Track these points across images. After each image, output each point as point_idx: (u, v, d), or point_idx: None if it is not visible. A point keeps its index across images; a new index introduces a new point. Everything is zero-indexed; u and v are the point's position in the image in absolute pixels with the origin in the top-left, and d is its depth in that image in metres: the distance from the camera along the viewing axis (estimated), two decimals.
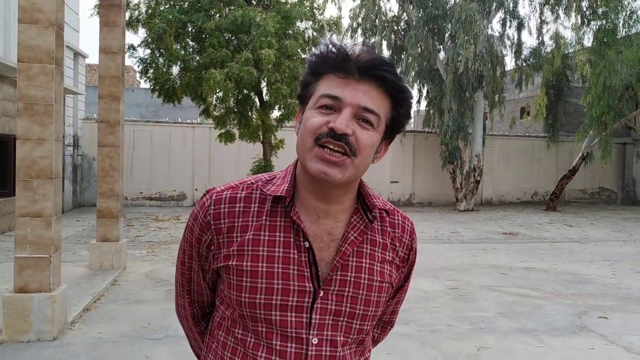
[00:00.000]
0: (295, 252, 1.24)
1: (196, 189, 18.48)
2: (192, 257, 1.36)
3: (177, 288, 1.47)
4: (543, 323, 6.05)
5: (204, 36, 9.75)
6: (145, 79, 11.82)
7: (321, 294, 1.24)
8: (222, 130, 11.13)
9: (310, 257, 1.25)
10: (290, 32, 9.97)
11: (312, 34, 10.37)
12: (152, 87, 11.90)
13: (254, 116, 11.01)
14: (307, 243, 1.25)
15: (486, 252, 10.79)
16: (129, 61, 23.62)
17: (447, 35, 18.09)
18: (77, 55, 16.67)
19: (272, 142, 11.53)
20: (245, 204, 1.29)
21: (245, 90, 10.25)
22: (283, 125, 11.03)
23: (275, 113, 11.25)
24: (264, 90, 10.69)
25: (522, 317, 6.27)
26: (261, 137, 11.26)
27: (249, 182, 1.34)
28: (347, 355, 1.29)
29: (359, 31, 19.51)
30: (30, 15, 4.91)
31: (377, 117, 1.21)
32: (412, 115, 19.39)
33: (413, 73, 18.21)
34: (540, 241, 12.43)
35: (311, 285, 1.24)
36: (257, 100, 10.94)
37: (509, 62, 25.81)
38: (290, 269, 1.24)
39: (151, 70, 11.42)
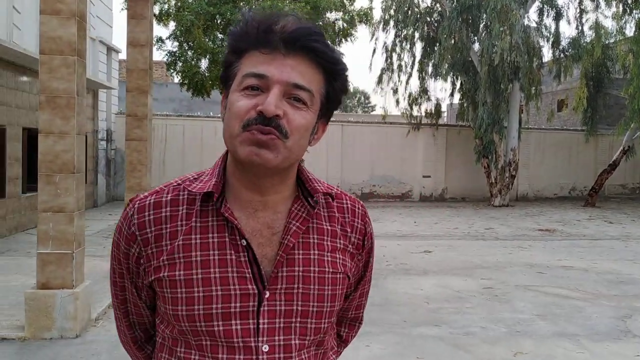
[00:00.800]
0: (232, 252, 1.12)
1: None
2: (123, 275, 1.22)
3: (114, 311, 1.32)
4: (584, 327, 5.73)
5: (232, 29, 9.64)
6: (173, 72, 11.74)
7: (267, 295, 1.12)
8: None
9: (250, 256, 1.12)
10: (320, 23, 9.73)
11: (343, 25, 10.10)
12: (180, 80, 11.82)
13: None
14: (244, 241, 1.12)
15: (522, 250, 10.43)
16: (157, 54, 23.73)
17: (481, 25, 17.61)
18: (110, 50, 16.79)
19: None
20: (172, 208, 1.16)
21: None
22: None
23: None
24: None
25: (561, 319, 5.96)
26: None
27: (175, 184, 1.20)
28: None
29: (391, 23, 19.18)
30: (52, 6, 4.81)
31: (310, 93, 1.09)
32: (445, 108, 18.83)
33: (446, 65, 17.78)
34: (578, 238, 11.98)
35: (254, 286, 1.11)
36: None
37: (547, 53, 25.05)
38: (229, 272, 1.11)
39: (180, 64, 11.31)
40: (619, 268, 8.79)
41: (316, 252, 1.18)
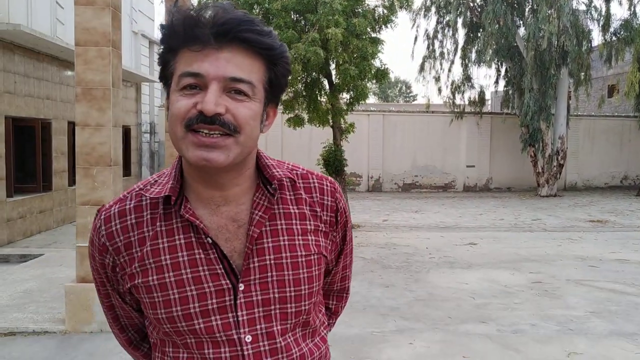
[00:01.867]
0: (201, 251, 1.12)
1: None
2: (104, 283, 1.24)
3: (105, 317, 1.34)
4: None
5: (270, 18, 9.47)
6: None
7: (242, 288, 1.13)
8: (291, 115, 10.87)
9: (218, 252, 1.13)
10: (359, 9, 9.51)
11: (383, 11, 9.86)
12: None
13: (323, 99, 10.67)
14: (209, 239, 1.12)
15: (572, 242, 10.00)
16: None
17: (527, 9, 16.99)
18: (153, 43, 16.93)
19: (342, 125, 11.17)
20: (137, 214, 1.16)
21: (313, 73, 9.90)
22: (353, 108, 10.61)
23: (345, 96, 10.87)
24: (333, 73, 10.32)
25: (618, 317, 5.62)
26: (330, 121, 10.91)
27: (136, 190, 1.20)
28: (291, 343, 1.18)
29: (433, 9, 18.72)
30: None
31: (250, 84, 1.06)
32: (490, 96, 18.33)
33: (490, 51, 17.19)
34: (633, 230, 11.43)
35: (228, 281, 1.12)
36: (326, 83, 10.58)
37: (596, 37, 24.08)
38: (201, 271, 1.12)
39: None
40: None
41: (285, 237, 1.17)
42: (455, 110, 19.20)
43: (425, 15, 18.91)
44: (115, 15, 4.92)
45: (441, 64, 19.26)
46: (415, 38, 19.69)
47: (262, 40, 1.06)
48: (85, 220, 4.88)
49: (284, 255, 1.16)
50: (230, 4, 1.07)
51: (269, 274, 1.14)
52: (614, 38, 17.29)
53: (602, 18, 17.04)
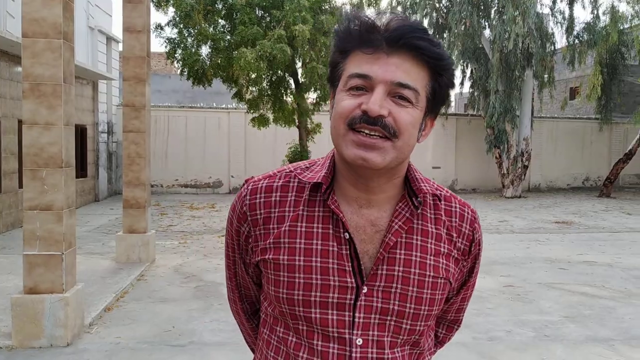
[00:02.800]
0: (335, 244, 1.15)
1: (232, 176, 18.03)
2: (234, 250, 1.29)
3: (226, 282, 1.40)
4: (618, 330, 5.28)
5: (234, 13, 9.16)
6: (173, 60, 11.28)
7: (365, 290, 1.14)
8: (256, 114, 10.56)
9: (351, 250, 1.14)
10: (327, 7, 9.28)
11: (350, 9, 9.64)
12: (180, 68, 11.37)
13: (289, 99, 10.40)
14: (347, 234, 1.14)
15: (540, 244, 9.97)
16: (156, 42, 23.23)
17: (493, 11, 17.04)
18: (110, 40, 16.34)
19: (308, 126, 10.90)
20: (282, 193, 1.20)
21: (279, 71, 9.63)
22: (320, 108, 10.37)
23: (312, 95, 10.62)
24: (299, 72, 10.05)
25: (592, 322, 5.51)
26: (297, 121, 10.64)
27: (287, 170, 1.24)
28: (399, 358, 1.17)
29: (399, 9, 18.62)
30: None
31: (415, 91, 1.08)
32: (454, 97, 18.41)
33: (456, 52, 17.20)
34: (597, 231, 11.50)
35: (353, 280, 1.13)
36: (292, 81, 10.31)
37: (559, 40, 24.43)
38: (330, 263, 1.14)
39: (179, 51, 10.84)
40: None
41: (418, 253, 1.17)
42: None
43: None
44: (67, 6, 4.55)
45: None
46: None
47: (432, 49, 1.07)
48: (34, 226, 4.50)
49: (412, 270, 1.16)
50: (403, 14, 1.12)
51: (394, 284, 1.15)
52: (577, 41, 17.50)
53: (565, 21, 17.23)
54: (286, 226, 1.17)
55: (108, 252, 8.35)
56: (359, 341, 1.13)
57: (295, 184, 1.21)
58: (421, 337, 1.22)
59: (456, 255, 1.23)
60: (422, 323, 1.18)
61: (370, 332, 1.14)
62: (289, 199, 1.19)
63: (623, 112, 20.49)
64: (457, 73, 19.34)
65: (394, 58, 1.06)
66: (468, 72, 18.98)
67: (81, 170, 14.32)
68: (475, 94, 18.64)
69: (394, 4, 18.59)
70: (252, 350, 1.42)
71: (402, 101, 1.07)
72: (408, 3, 18.12)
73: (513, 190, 17.61)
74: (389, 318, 1.15)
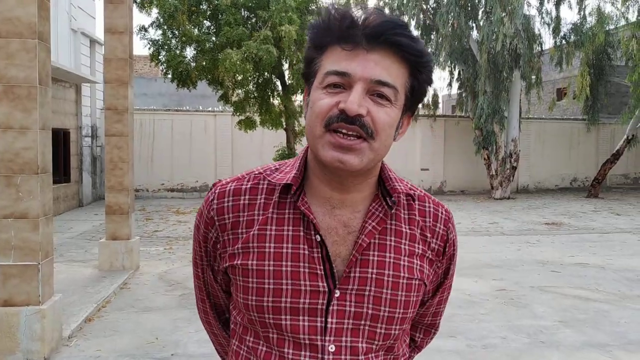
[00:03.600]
0: (306, 247, 1.10)
1: (219, 180, 17.78)
2: (202, 257, 1.25)
3: (196, 291, 1.34)
4: (614, 334, 5.16)
5: (219, 14, 8.97)
6: (157, 62, 11.05)
7: (337, 294, 1.10)
8: (242, 117, 10.37)
9: (323, 253, 1.10)
10: (314, 7, 9.13)
11: (332, 6, 9.49)
12: (164, 71, 11.15)
13: (276, 101, 10.22)
14: (318, 237, 1.10)
15: (530, 245, 9.88)
16: (140, 45, 22.95)
17: (481, 11, 16.98)
18: (94, 42, 16.07)
19: (296, 128, 10.72)
20: (251, 196, 1.16)
21: (265, 73, 9.45)
22: None
23: (299, 97, 10.43)
24: (286, 73, 9.87)
25: (587, 326, 5.39)
26: (284, 123, 10.46)
27: (256, 172, 1.21)
28: None
29: (386, 10, 18.50)
30: None
31: (394, 89, 1.04)
32: (442, 99, 18.28)
33: (444, 54, 17.09)
34: (587, 232, 11.44)
35: (325, 284, 1.09)
36: (278, 83, 10.13)
37: (547, 41, 24.47)
38: (301, 267, 1.09)
39: (163, 53, 10.63)
40: (636, 264, 8.24)
41: (392, 255, 1.14)
42: None
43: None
44: (42, 4, 4.35)
45: None
46: None
47: (413, 46, 1.04)
48: (8, 235, 4.28)
49: (386, 272, 1.12)
50: (381, 9, 1.08)
51: (368, 287, 1.11)
52: (564, 42, 17.48)
53: (552, 22, 17.22)
54: (255, 230, 1.13)
55: (91, 260, 8.13)
56: (332, 348, 1.09)
57: (265, 185, 1.16)
58: (396, 342, 1.18)
59: (430, 256, 1.20)
60: (397, 327, 1.14)
61: (344, 338, 1.10)
62: (258, 201, 1.15)
63: (610, 113, 20.54)
64: (445, 74, 19.35)
65: (374, 55, 1.03)
66: (456, 73, 18.91)
67: (64, 175, 14.05)
68: (464, 95, 18.58)
69: (380, 5, 18.48)
70: None
71: (380, 100, 1.04)
72: (395, 4, 18.02)
73: (502, 191, 17.56)
74: (362, 322, 1.11)
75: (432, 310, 1.34)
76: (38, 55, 4.28)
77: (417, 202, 1.20)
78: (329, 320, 1.09)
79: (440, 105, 25.35)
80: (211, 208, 1.18)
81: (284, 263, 1.10)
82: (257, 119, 10.40)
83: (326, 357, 1.09)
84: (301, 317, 1.09)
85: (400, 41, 1.03)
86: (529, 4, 16.83)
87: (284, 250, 1.10)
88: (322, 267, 1.09)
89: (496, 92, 16.60)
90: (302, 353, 1.09)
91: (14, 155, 4.27)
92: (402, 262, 1.14)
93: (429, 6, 18.28)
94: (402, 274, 1.13)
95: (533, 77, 17.38)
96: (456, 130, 19.28)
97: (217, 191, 1.19)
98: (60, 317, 4.74)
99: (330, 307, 1.09)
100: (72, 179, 14.53)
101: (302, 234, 1.11)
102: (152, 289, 6.67)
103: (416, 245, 1.17)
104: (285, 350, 1.10)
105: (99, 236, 10.06)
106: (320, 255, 1.10)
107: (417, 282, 1.15)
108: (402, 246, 1.15)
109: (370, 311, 1.10)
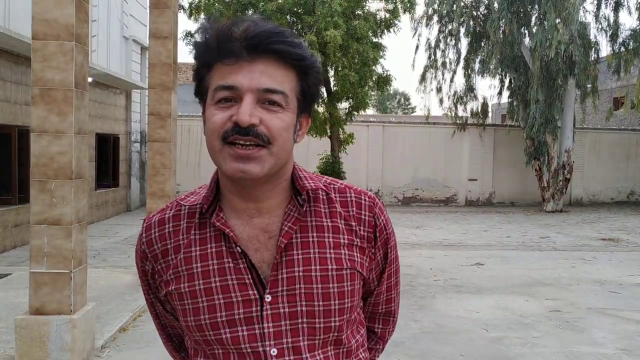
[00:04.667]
0: (230, 260, 1.13)
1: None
2: (148, 290, 1.27)
3: (154, 323, 1.37)
4: None
5: (265, 20, 8.87)
6: None
7: (269, 299, 1.12)
8: None
9: (247, 262, 1.13)
10: (360, 12, 8.90)
11: (385, 15, 9.24)
12: None
13: (321, 108, 10.04)
14: (238, 248, 1.13)
15: (586, 263, 9.32)
16: (186, 50, 23.12)
17: (534, 18, 16.40)
18: (145, 49, 16.26)
19: (341, 136, 10.49)
20: (175, 223, 1.19)
21: None
22: (352, 118, 9.93)
23: (344, 104, 10.21)
24: (331, 80, 9.67)
25: None
26: (328, 131, 10.26)
27: (178, 200, 1.23)
28: None
29: (435, 18, 18.15)
30: None
31: (283, 95, 1.07)
32: (492, 108, 17.61)
33: (494, 61, 16.52)
34: None
35: (255, 291, 1.12)
36: (323, 90, 9.93)
37: (603, 48, 23.54)
38: (229, 280, 1.12)
39: None
40: None
41: (316, 250, 1.16)
42: (458, 121, 18.57)
43: (427, 24, 18.33)
44: (80, 6, 4.26)
45: (443, 74, 18.66)
46: (417, 47, 19.14)
47: (292, 51, 1.07)
48: (41, 241, 4.19)
49: (313, 267, 1.14)
50: (261, 17, 1.11)
51: (297, 286, 1.13)
52: (622, 49, 16.70)
53: (610, 28, 16.45)
54: (181, 254, 1.16)
55: (132, 266, 8.07)
56: (274, 351, 1.11)
57: (186, 210, 1.20)
58: (342, 334, 1.18)
59: (360, 244, 1.20)
60: (337, 318, 1.15)
61: (284, 340, 1.12)
62: (181, 226, 1.18)
63: None
64: (496, 82, 18.72)
65: (257, 64, 1.05)
66: (506, 81, 18.32)
67: (113, 179, 14.22)
68: (514, 103, 17.95)
69: (429, 12, 18.12)
70: None
71: (272, 107, 1.06)
72: (444, 12, 17.61)
73: (554, 204, 16.86)
74: (299, 321, 1.12)
75: (382, 298, 1.35)
76: (75, 58, 4.19)
77: (337, 195, 1.22)
78: (265, 325, 1.11)
79: (490, 114, 24.71)
80: (142, 242, 1.22)
81: (212, 279, 1.12)
82: None
83: None
84: (239, 328, 1.11)
85: (279, 48, 1.05)
86: (585, 10, 16.13)
87: (210, 267, 1.13)
88: (249, 276, 1.12)
89: (549, 100, 15.96)
90: None
91: (48, 159, 4.18)
92: (327, 255, 1.15)
93: (479, 13, 17.79)
94: (329, 266, 1.15)
95: (589, 85, 16.64)
96: (506, 139, 18.67)
97: (144, 225, 1.22)
98: (92, 327, 4.62)
99: (264, 313, 1.11)
100: (120, 183, 14.68)
101: (224, 248, 1.13)
102: None
103: (341, 236, 1.18)
104: None
105: None
106: (245, 265, 1.12)
107: (348, 272, 1.16)
108: (326, 240, 1.17)
109: (304, 308, 1.12)
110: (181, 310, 1.15)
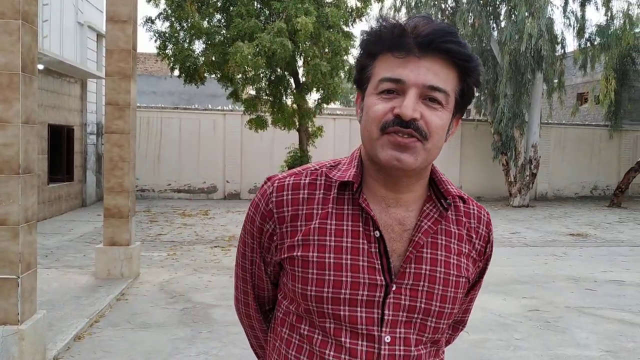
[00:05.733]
0: (365, 242, 1.15)
1: (227, 181, 17.25)
2: (254, 249, 1.28)
3: (237, 283, 1.37)
4: None
5: (229, 6, 8.41)
6: (163, 56, 10.47)
7: (394, 288, 1.15)
8: (253, 116, 9.80)
9: (381, 248, 1.16)
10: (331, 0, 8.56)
11: (357, 4, 8.92)
12: (171, 64, 10.56)
13: (289, 100, 9.65)
14: (377, 232, 1.16)
15: (557, 259, 9.23)
16: (146, 37, 22.44)
17: (503, 11, 16.33)
18: (101, 36, 15.55)
19: (309, 129, 10.14)
20: (310, 191, 1.21)
21: (278, 69, 8.88)
22: (322, 110, 9.60)
23: (314, 96, 9.87)
24: (300, 71, 9.31)
25: (639, 357, 4.76)
26: (297, 123, 9.90)
27: (312, 168, 1.25)
28: (423, 355, 1.19)
29: (403, 9, 17.93)
30: None
31: (445, 94, 1.11)
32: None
33: None
34: (616, 245, 10.77)
35: (383, 278, 1.15)
36: (292, 80, 9.55)
37: (570, 43, 23.78)
38: (360, 261, 1.15)
39: (170, 46, 10.05)
40: None
41: (443, 253, 1.19)
42: None
43: (394, 15, 18.08)
44: None
45: None
46: None
47: (462, 52, 1.10)
48: None
49: (438, 269, 1.18)
50: (429, 15, 1.17)
51: (422, 282, 1.16)
52: (589, 44, 16.78)
53: (577, 23, 16.51)
54: (315, 223, 1.17)
55: (89, 265, 7.58)
56: (387, 338, 1.14)
57: (323, 181, 1.21)
58: (442, 336, 1.23)
59: (474, 256, 1.26)
60: (445, 321, 1.20)
61: (398, 330, 1.15)
62: (317, 196, 1.19)
63: (633, 119, 19.82)
64: None
65: (425, 61, 1.08)
66: None
67: (67, 173, 13.55)
68: (482, 98, 17.90)
69: (398, 4, 17.90)
70: (257, 355, 1.44)
71: (433, 104, 1.09)
72: (412, 3, 17.40)
73: (520, 199, 16.89)
74: (415, 316, 1.16)
75: (464, 307, 1.39)
76: (22, 38, 3.73)
77: (463, 205, 1.25)
78: (386, 312, 1.13)
79: None
80: (270, 201, 1.21)
81: (344, 256, 1.14)
82: (269, 118, 9.84)
83: (382, 347, 1.13)
84: (359, 309, 1.13)
85: (450, 48, 1.08)
86: (552, 4, 16.10)
87: (344, 244, 1.14)
88: (379, 262, 1.14)
89: (517, 95, 15.93)
90: (360, 342, 1.13)
91: None
92: (451, 261, 1.19)
93: (447, 5, 17.64)
94: (452, 272, 1.19)
95: (555, 80, 16.68)
96: (474, 134, 18.61)
97: (275, 185, 1.22)
98: (43, 337, 4.18)
99: (387, 300, 1.14)
100: (75, 177, 14.01)
101: (361, 229, 1.15)
102: (152, 301, 6.10)
103: (463, 245, 1.23)
104: (343, 339, 1.14)
105: (100, 239, 9.51)
106: (377, 250, 1.15)
107: (463, 280, 1.21)
108: (452, 245, 1.20)
109: (423, 305, 1.16)
110: (301, 277, 1.15)
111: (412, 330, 1.16)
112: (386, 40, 1.09)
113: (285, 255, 1.18)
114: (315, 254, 1.14)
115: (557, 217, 14.78)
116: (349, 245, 1.14)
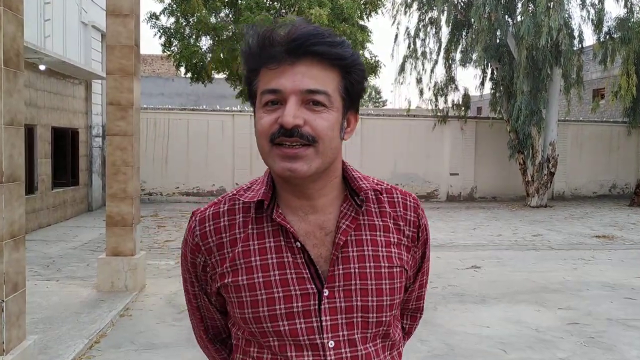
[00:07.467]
0: (289, 254, 1.17)
1: (237, 183, 16.77)
2: (193, 283, 1.29)
3: (190, 317, 1.37)
4: None
5: (239, 0, 7.96)
6: (169, 53, 10.02)
7: (326, 293, 1.16)
8: None
9: (306, 257, 1.17)
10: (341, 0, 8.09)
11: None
12: (176, 62, 10.09)
13: None
14: (298, 243, 1.16)
15: (587, 263, 8.70)
16: (150, 33, 22.04)
17: (519, 4, 15.77)
18: (106, 37, 15.18)
19: None
20: (230, 217, 1.22)
21: None
22: None
23: None
24: None
25: None
26: None
27: (230, 195, 1.27)
28: (372, 353, 1.19)
29: (415, 5, 17.40)
30: None
31: (326, 95, 1.11)
32: (471, 100, 16.78)
33: (479, 49, 15.67)
34: None
35: (313, 286, 1.15)
36: None
37: (588, 37, 23.13)
38: (288, 274, 1.16)
39: (175, 42, 9.59)
40: None
41: (370, 247, 1.20)
42: (439, 114, 17.89)
43: (405, 12, 17.58)
44: None
45: (423, 65, 17.89)
46: (396, 36, 18.29)
47: (332, 51, 1.10)
48: None
49: (367, 265, 1.18)
50: (302, 19, 1.15)
51: (353, 281, 1.16)
52: (608, 38, 16.18)
53: (596, 16, 15.91)
54: (239, 247, 1.18)
55: (91, 277, 7.14)
56: (331, 344, 1.15)
57: (240, 205, 1.22)
58: (389, 328, 1.23)
59: (406, 243, 1.26)
60: (388, 314, 1.20)
61: (340, 333, 1.15)
62: (237, 221, 1.20)
63: None
64: (478, 73, 18.05)
65: (300, 67, 1.08)
66: (489, 72, 17.68)
67: (72, 177, 13.14)
68: (497, 95, 17.34)
69: (409, 0, 17.37)
70: None
71: (316, 107, 1.09)
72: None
73: (538, 199, 16.32)
74: (354, 315, 1.16)
75: (414, 295, 1.40)
76: (4, 27, 3.27)
77: (385, 195, 1.26)
78: (323, 318, 1.14)
79: (474, 106, 24.19)
80: (195, 235, 1.23)
81: (271, 273, 1.15)
82: None
83: (327, 353, 1.14)
84: (297, 320, 1.14)
85: (318, 50, 1.08)
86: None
87: (269, 261, 1.15)
88: (307, 271, 1.15)
89: (534, 91, 15.36)
90: (305, 353, 1.14)
91: None
92: (380, 253, 1.20)
93: (460, 0, 17.08)
94: (382, 264, 1.19)
95: (573, 75, 16.09)
96: (489, 132, 18.07)
97: (197, 218, 1.24)
98: None
99: (322, 306, 1.14)
100: (80, 181, 13.61)
101: (283, 243, 1.17)
102: (158, 316, 5.64)
103: (391, 235, 1.23)
104: (289, 354, 1.14)
105: (104, 247, 9.07)
106: (303, 260, 1.16)
107: (398, 270, 1.22)
108: (378, 238, 1.21)
109: (359, 303, 1.16)
110: (237, 302, 1.17)
111: (355, 330, 1.16)
112: (257, 54, 1.11)
113: (219, 284, 1.20)
114: (245, 277, 1.16)
115: (578, 218, 14.22)
116: (274, 261, 1.15)
